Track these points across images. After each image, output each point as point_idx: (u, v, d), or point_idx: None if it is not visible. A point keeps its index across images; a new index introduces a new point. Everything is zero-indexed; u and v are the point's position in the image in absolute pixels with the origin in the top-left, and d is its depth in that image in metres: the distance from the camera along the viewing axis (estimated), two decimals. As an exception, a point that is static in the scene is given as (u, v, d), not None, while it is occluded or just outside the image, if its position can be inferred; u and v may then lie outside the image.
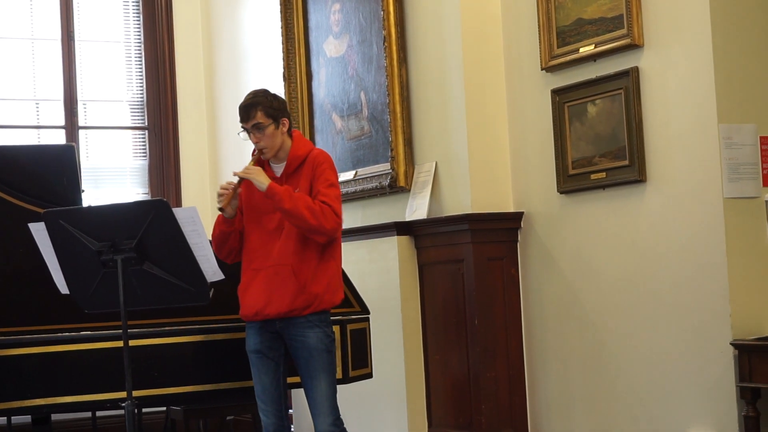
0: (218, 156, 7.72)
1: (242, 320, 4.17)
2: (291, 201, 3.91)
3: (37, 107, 7.43)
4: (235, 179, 4.01)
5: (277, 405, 4.10)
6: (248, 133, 4.07)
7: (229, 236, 4.11)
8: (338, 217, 3.99)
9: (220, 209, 4.01)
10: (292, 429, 6.47)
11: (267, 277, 4.00)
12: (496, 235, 5.19)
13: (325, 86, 6.32)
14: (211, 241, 3.98)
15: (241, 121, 4.08)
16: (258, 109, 4.03)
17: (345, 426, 4.08)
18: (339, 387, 4.42)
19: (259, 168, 4.01)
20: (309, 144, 4.20)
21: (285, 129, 4.09)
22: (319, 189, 4.00)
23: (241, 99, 7.13)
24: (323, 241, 4.01)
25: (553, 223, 5.03)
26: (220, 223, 4.11)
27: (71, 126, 7.45)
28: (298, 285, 3.97)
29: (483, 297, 5.11)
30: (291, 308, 3.97)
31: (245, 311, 4.08)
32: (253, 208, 4.10)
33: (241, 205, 4.13)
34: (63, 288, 3.86)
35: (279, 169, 4.11)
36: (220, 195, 4.01)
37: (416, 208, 5.47)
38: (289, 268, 3.98)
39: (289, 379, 4.18)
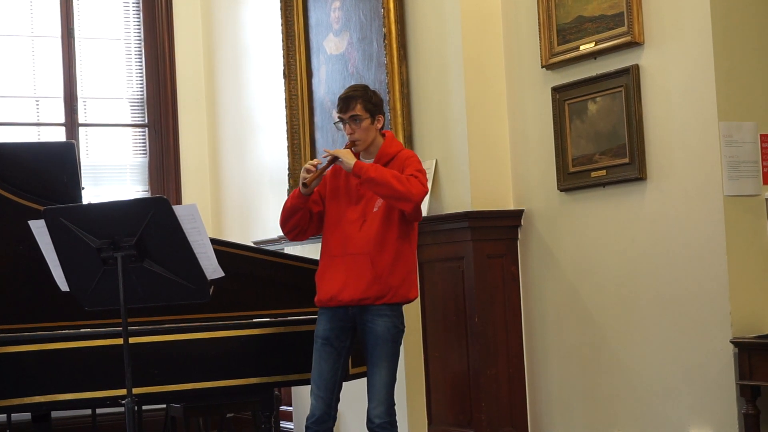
0: (218, 153, 7.72)
1: (241, 317, 4.18)
2: (377, 171, 4.07)
3: (37, 104, 7.44)
4: (322, 162, 4.16)
5: (329, 393, 4.19)
6: (343, 123, 4.21)
7: (297, 211, 4.23)
8: (424, 186, 4.12)
9: (304, 185, 4.13)
10: (290, 426, 6.48)
11: (344, 265, 4.14)
12: (497, 232, 5.19)
13: (325, 83, 6.32)
14: (280, 212, 4.23)
15: (339, 111, 4.23)
16: (358, 102, 4.19)
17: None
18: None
19: (348, 150, 4.16)
20: (399, 144, 4.35)
21: (379, 126, 4.25)
22: (407, 170, 4.13)
23: (242, 96, 7.14)
24: (410, 210, 4.11)
25: (553, 221, 5.03)
26: (294, 197, 4.24)
27: (71, 123, 7.45)
28: (374, 274, 4.10)
29: (483, 294, 5.11)
30: (365, 296, 4.11)
31: (321, 296, 4.21)
32: (337, 197, 4.23)
33: (323, 191, 4.27)
34: (63, 285, 3.86)
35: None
36: (308, 171, 4.14)
37: (416, 205, 5.46)
38: (367, 257, 4.11)
39: (354, 370, 4.36)
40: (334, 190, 4.26)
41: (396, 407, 4.22)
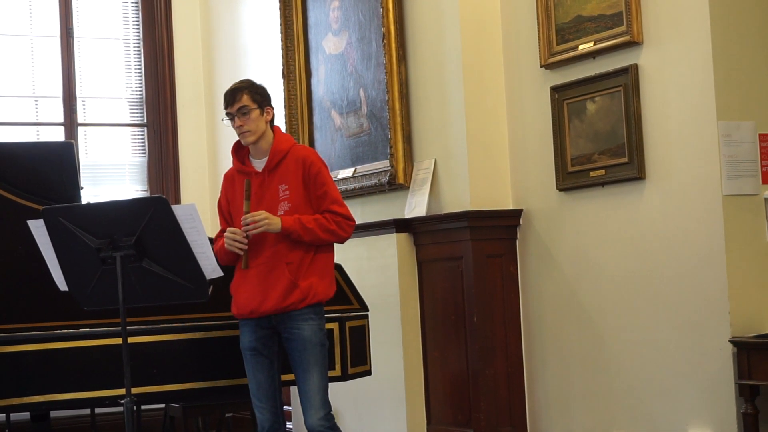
0: (217, 153, 7.72)
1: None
2: (308, 234, 3.99)
3: (36, 104, 7.43)
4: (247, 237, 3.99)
5: (272, 402, 4.09)
6: (232, 118, 4.08)
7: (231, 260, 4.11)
8: (352, 219, 4.09)
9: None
10: (290, 426, 6.48)
11: (260, 275, 4.01)
12: (495, 232, 5.19)
13: (324, 83, 6.32)
14: (212, 245, 3.96)
15: (226, 106, 4.09)
16: (244, 93, 4.06)
17: (336, 422, 4.08)
18: (338, 384, 4.42)
19: (263, 213, 3.97)
20: (290, 138, 4.21)
21: (269, 118, 4.12)
22: (323, 196, 4.04)
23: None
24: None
25: (552, 221, 5.03)
26: (227, 253, 4.05)
27: (70, 123, 7.44)
28: (291, 280, 3.98)
29: (482, 294, 5.11)
30: (286, 303, 3.98)
31: (239, 309, 4.07)
32: (239, 204, 4.08)
33: (225, 207, 4.17)
34: (62, 285, 3.86)
35: (260, 164, 4.11)
36: (235, 240, 3.98)
37: (415, 205, 5.47)
38: (282, 264, 3.99)
39: (284, 377, 4.18)
40: (234, 198, 4.13)
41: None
